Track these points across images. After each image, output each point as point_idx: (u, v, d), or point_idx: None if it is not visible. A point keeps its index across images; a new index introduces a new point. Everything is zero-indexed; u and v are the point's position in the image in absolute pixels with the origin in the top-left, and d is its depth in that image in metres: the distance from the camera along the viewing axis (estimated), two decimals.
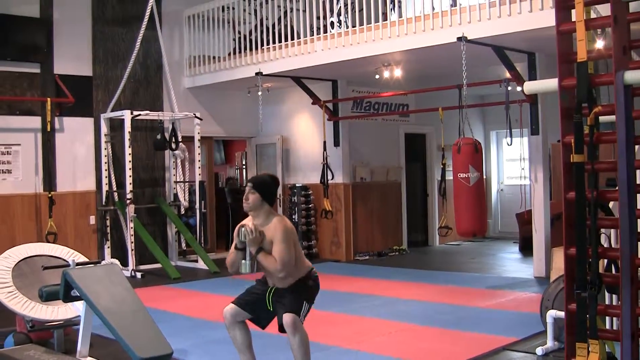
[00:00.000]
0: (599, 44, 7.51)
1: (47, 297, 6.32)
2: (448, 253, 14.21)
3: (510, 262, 12.65)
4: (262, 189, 5.46)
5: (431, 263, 12.76)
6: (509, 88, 10.51)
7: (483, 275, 11.12)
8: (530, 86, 9.01)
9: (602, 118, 4.39)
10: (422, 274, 11.33)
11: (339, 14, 11.71)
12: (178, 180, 13.20)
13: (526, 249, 12.98)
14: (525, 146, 11.05)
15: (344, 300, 9.26)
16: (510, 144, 10.49)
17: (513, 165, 16.40)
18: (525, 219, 13.04)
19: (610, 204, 4.59)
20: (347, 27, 11.10)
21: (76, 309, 6.55)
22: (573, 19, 4.45)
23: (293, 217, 13.45)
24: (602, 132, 4.33)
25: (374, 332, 7.52)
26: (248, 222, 5.46)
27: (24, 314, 6.63)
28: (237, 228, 5.42)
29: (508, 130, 10.30)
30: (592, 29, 4.56)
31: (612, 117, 4.25)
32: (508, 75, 10.41)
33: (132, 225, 11.83)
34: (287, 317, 5.19)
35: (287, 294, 5.35)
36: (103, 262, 7.45)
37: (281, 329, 5.36)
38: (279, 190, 13.90)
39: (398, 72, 11.51)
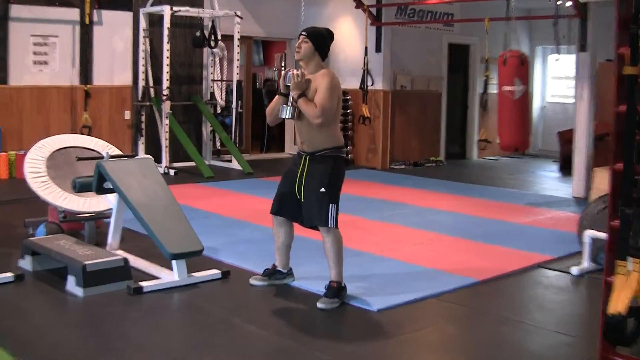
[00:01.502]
0: None
1: (80, 188, 6.35)
2: (485, 167, 14.08)
3: (548, 181, 12.50)
4: (316, 39, 5.33)
5: (468, 176, 12.64)
6: (559, 2, 10.18)
7: (520, 192, 10.99)
8: None
9: None
10: (458, 187, 11.24)
11: None
12: (215, 79, 13.09)
13: (566, 168, 12.79)
14: (572, 64, 10.75)
15: (378, 208, 9.23)
16: (558, 60, 10.21)
17: (557, 83, 16.09)
18: (566, 138, 12.82)
19: None
20: None
21: (108, 201, 6.57)
22: None
23: None
24: None
25: (406, 240, 7.49)
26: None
27: (57, 204, 6.67)
28: (284, 72, 5.34)
29: (555, 46, 10.01)
30: None
31: None
32: None
33: (167, 122, 11.81)
34: (321, 229, 5.26)
35: (319, 168, 5.29)
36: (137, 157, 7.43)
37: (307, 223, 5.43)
38: None
39: None
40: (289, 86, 5.27)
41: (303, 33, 5.34)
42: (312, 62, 5.33)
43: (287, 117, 5.28)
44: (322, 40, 5.36)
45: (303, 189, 5.33)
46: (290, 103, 5.26)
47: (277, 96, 5.42)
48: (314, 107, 5.14)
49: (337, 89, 5.27)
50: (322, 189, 5.23)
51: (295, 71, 5.23)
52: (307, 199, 5.31)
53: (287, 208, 5.49)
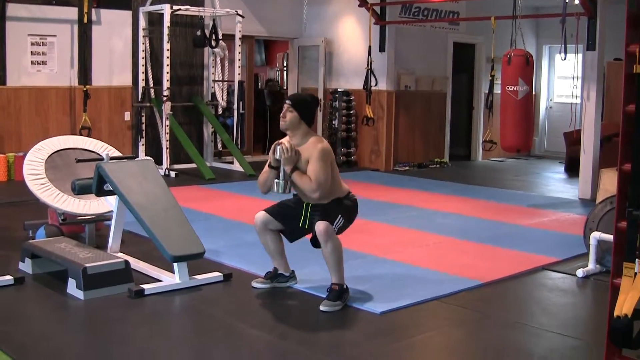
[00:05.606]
0: None
1: (80, 190, 6.38)
2: (491, 169, 14.12)
3: (554, 182, 12.54)
4: (301, 107, 5.42)
5: (473, 178, 12.69)
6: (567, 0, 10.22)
7: (526, 194, 11.02)
8: None
9: None
10: (463, 188, 11.28)
11: None
12: (217, 79, 13.13)
13: (572, 169, 12.82)
14: (579, 63, 10.78)
15: (381, 210, 9.26)
16: (565, 59, 10.22)
17: (564, 82, 16.09)
18: (573, 139, 12.85)
19: None
20: None
21: (109, 203, 6.63)
22: None
23: (333, 122, 13.41)
24: None
25: (410, 243, 7.53)
26: (285, 140, 5.46)
27: (56, 206, 6.70)
28: (272, 146, 5.42)
29: (562, 45, 10.02)
30: None
31: None
32: None
33: (167, 123, 11.85)
34: (320, 225, 5.22)
35: (322, 207, 5.38)
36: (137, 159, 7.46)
37: (314, 242, 5.42)
38: (320, 95, 13.83)
39: None
40: (279, 160, 5.36)
41: (287, 102, 5.44)
42: (298, 131, 5.42)
43: (280, 192, 5.38)
44: (307, 108, 5.45)
45: (309, 223, 5.47)
46: (282, 178, 5.36)
47: (267, 169, 5.50)
48: (308, 181, 5.26)
49: (329, 156, 5.38)
50: (339, 215, 5.39)
51: (285, 144, 5.32)
52: (313, 222, 5.37)
53: (284, 221, 5.59)
